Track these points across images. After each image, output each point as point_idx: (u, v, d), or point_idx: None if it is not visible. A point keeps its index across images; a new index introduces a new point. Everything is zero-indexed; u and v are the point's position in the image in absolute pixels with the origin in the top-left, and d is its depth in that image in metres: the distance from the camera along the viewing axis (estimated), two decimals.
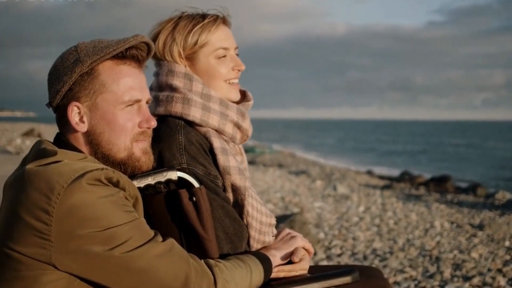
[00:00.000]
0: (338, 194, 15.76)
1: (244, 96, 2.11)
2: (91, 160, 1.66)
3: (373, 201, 15.01)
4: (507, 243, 9.66)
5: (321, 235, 9.37)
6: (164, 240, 1.61)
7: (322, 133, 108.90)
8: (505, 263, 8.02)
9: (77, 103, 1.67)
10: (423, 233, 10.29)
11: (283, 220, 8.40)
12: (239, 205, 1.89)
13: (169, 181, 1.77)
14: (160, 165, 1.82)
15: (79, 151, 1.68)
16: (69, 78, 1.65)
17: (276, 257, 1.90)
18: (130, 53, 1.72)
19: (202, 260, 1.65)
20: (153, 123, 1.75)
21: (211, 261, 1.69)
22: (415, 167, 36.15)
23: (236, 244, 1.84)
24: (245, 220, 1.90)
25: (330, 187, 17.97)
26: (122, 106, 1.70)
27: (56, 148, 1.64)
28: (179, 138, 1.84)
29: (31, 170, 1.56)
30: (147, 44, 1.75)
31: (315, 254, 7.81)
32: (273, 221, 2.01)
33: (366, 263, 7.60)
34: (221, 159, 1.87)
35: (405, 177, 26.56)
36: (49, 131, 34.85)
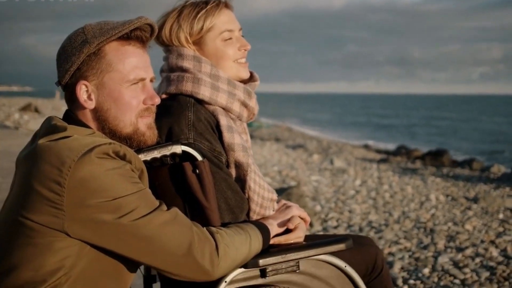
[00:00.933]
0: (335, 168, 15.85)
1: (251, 76, 2.21)
2: (99, 135, 1.76)
3: (370, 175, 15.12)
4: (500, 216, 9.80)
5: (318, 208, 9.49)
6: (168, 209, 1.71)
7: (319, 107, 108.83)
8: (498, 235, 8.15)
9: (85, 82, 1.76)
10: (419, 206, 10.42)
11: (280, 193, 8.50)
12: (241, 180, 1.99)
13: (174, 154, 1.87)
14: (169, 138, 1.92)
15: (88, 127, 1.77)
16: (77, 58, 1.73)
17: (273, 226, 2.01)
18: (135, 34, 1.81)
19: (204, 228, 1.77)
20: (157, 100, 1.85)
21: (213, 228, 1.79)
22: (412, 141, 36.31)
23: (237, 215, 1.94)
24: (246, 194, 2.00)
25: (327, 161, 18.07)
26: (127, 84, 1.79)
27: (65, 124, 1.74)
28: (188, 115, 1.94)
29: (42, 145, 1.65)
30: (150, 26, 1.84)
31: (311, 226, 7.94)
32: (275, 196, 2.12)
33: (361, 235, 7.74)
34: (226, 136, 1.96)
35: (402, 151, 26.66)
36: (46, 106, 34.93)
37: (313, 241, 2.06)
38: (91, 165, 1.57)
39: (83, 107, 1.78)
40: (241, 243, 1.78)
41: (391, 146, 30.82)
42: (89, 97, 1.77)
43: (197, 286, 1.79)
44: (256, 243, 1.84)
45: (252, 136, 26.55)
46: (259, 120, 40.70)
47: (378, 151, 27.64)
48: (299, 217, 2.11)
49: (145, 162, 1.83)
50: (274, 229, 2.01)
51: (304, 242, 2.10)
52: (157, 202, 1.70)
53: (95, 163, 1.58)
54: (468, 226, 8.63)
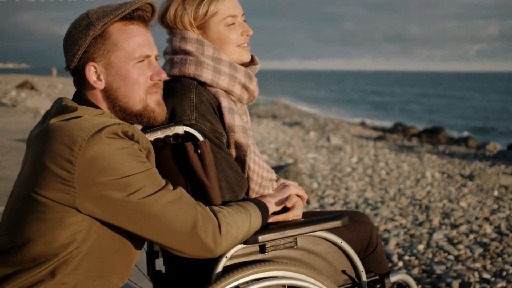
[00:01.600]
0: (332, 145, 15.92)
1: (252, 59, 2.27)
2: (108, 115, 1.82)
3: (366, 152, 15.19)
4: (495, 193, 9.90)
5: (315, 185, 9.56)
6: (174, 188, 1.78)
7: (316, 84, 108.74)
8: (492, 212, 8.25)
9: (93, 63, 1.82)
10: (414, 183, 10.50)
11: (277, 170, 8.56)
12: (241, 160, 2.06)
13: (176, 135, 1.93)
14: (172, 119, 1.98)
15: (98, 107, 1.84)
16: (83, 41, 1.80)
17: (271, 204, 2.08)
18: (137, 14, 1.87)
19: (208, 207, 1.83)
20: (163, 75, 1.92)
21: (215, 208, 1.86)
22: (409, 119, 36.38)
23: (237, 194, 2.01)
24: (246, 174, 2.07)
25: (323, 138, 18.13)
26: (133, 62, 1.85)
27: (76, 105, 1.80)
28: (191, 97, 2.00)
29: (54, 124, 1.71)
30: (151, 5, 1.91)
31: (308, 203, 8.02)
32: (274, 176, 2.19)
33: None
34: (227, 117, 2.02)
35: (398, 128, 26.71)
36: (43, 83, 34.86)
37: (310, 218, 2.13)
38: (101, 144, 1.64)
39: (93, 88, 1.84)
40: (242, 221, 1.85)
41: (388, 124, 30.88)
42: (98, 78, 1.83)
43: (199, 262, 1.86)
44: (255, 220, 1.91)
45: (249, 114, 26.60)
46: (256, 98, 40.69)
47: (375, 129, 27.69)
48: (297, 195, 2.18)
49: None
50: (272, 206, 2.08)
51: (302, 219, 2.18)
52: (163, 182, 1.76)
53: (105, 143, 1.64)
54: (463, 203, 8.72)
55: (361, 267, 2.14)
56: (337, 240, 2.10)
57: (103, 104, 1.85)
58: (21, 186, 1.75)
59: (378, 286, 2.19)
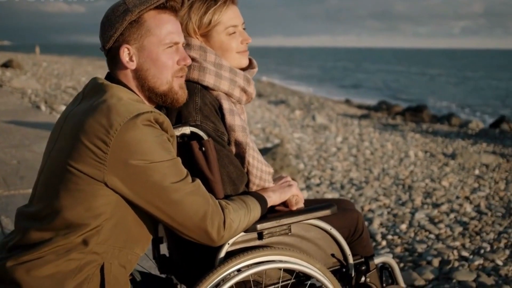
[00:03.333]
0: (317, 124, 16.07)
1: (250, 63, 2.46)
2: (140, 100, 2.03)
3: (351, 131, 15.38)
4: (476, 172, 10.15)
5: (301, 166, 9.76)
6: (193, 180, 1.98)
7: (301, 62, 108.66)
8: (473, 191, 8.50)
9: (128, 45, 2.01)
10: (398, 162, 10.74)
11: (265, 152, 8.69)
12: (241, 157, 2.26)
13: (183, 134, 2.13)
14: (179, 120, 2.17)
15: (129, 88, 2.04)
16: (120, 25, 1.99)
17: (271, 198, 2.28)
18: (170, 4, 2.07)
19: (217, 201, 2.04)
20: (189, 61, 2.12)
21: (223, 203, 2.06)
22: (393, 96, 36.61)
23: (238, 186, 2.22)
24: (246, 169, 2.27)
25: (309, 117, 18.23)
26: (163, 47, 2.04)
27: (110, 84, 2.00)
28: (196, 100, 2.19)
29: (93, 104, 1.91)
30: None
31: None
32: (271, 170, 2.39)
33: (343, 192, 8.04)
34: (228, 118, 2.22)
35: (383, 106, 26.88)
36: (27, 61, 34.57)
37: (302, 208, 2.35)
38: (135, 131, 1.83)
39: (125, 68, 2.03)
40: (243, 216, 2.06)
41: (372, 102, 31.06)
42: (130, 59, 2.02)
43: (203, 248, 2.07)
44: (255, 214, 2.12)
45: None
46: None
47: (359, 107, 27.83)
48: (296, 195, 2.40)
49: None
50: (271, 201, 2.28)
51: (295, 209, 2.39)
52: (185, 172, 1.96)
53: (139, 129, 1.83)
54: (444, 183, 8.96)
55: (348, 251, 2.37)
56: (327, 227, 2.31)
57: (132, 83, 2.04)
58: (56, 159, 1.92)
59: (363, 267, 2.42)
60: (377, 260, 2.49)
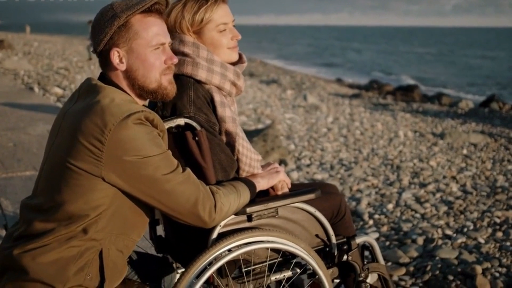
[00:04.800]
0: (308, 105, 16.18)
1: (240, 58, 2.61)
2: (132, 100, 2.16)
3: (342, 111, 15.51)
4: (464, 151, 10.33)
5: (292, 147, 9.89)
6: (184, 170, 2.14)
7: (293, 40, 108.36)
8: (460, 171, 8.68)
9: (117, 48, 2.14)
10: (387, 142, 10.91)
11: (256, 134, 8.84)
12: (231, 146, 2.42)
13: (178, 125, 2.28)
14: (174, 112, 2.33)
15: (120, 88, 2.18)
16: (109, 30, 2.12)
17: (260, 183, 2.45)
18: (155, 8, 2.20)
19: (208, 187, 2.21)
20: (175, 59, 2.26)
21: (214, 188, 2.22)
22: (384, 75, 36.72)
23: (229, 173, 2.38)
24: (236, 156, 2.44)
25: (300, 97, 18.33)
26: (151, 49, 2.17)
27: (103, 85, 2.13)
28: (189, 93, 2.34)
29: (88, 105, 2.05)
30: (166, 0, 2.25)
31: (286, 164, 8.39)
32: (259, 157, 2.55)
33: (332, 173, 8.21)
34: (219, 110, 2.38)
35: (374, 85, 26.98)
36: (17, 41, 34.45)
37: (289, 192, 2.52)
38: (128, 129, 1.98)
39: (116, 69, 2.17)
40: (233, 200, 2.23)
41: (364, 81, 31.16)
42: (120, 61, 2.16)
43: (196, 230, 2.24)
44: (245, 198, 2.29)
45: None
46: None
47: (351, 86, 27.93)
48: (284, 181, 2.57)
49: None
50: (260, 185, 2.45)
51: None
52: (175, 163, 2.12)
53: (131, 128, 1.98)
54: (432, 162, 9.14)
55: (331, 232, 2.54)
56: (311, 209, 2.48)
57: (123, 83, 2.18)
58: (56, 156, 2.08)
59: (345, 247, 2.59)
60: (359, 240, 2.67)
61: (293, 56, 57.32)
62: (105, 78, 2.19)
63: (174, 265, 2.70)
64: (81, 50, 32.05)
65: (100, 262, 2.08)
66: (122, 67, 2.15)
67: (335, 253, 2.55)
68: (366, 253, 2.83)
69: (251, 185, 2.35)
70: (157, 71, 2.18)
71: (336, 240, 2.57)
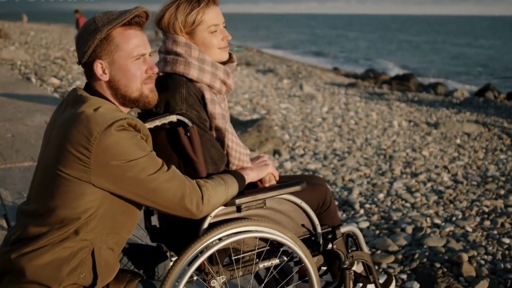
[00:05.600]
0: (304, 94, 16.27)
1: (230, 57, 2.74)
2: (116, 108, 2.27)
3: (337, 101, 15.60)
4: (458, 141, 10.45)
5: (286, 137, 10.01)
6: (168, 168, 2.25)
7: (290, 29, 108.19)
8: (452, 160, 8.80)
9: (100, 60, 2.25)
10: (381, 132, 11.02)
11: (251, 124, 8.96)
12: (221, 140, 2.55)
13: (171, 122, 2.41)
14: (167, 109, 2.45)
15: (105, 97, 2.29)
16: (92, 43, 2.23)
17: (249, 176, 2.58)
18: (134, 21, 2.30)
19: (194, 180, 2.33)
20: (156, 69, 2.37)
21: (201, 181, 2.34)
22: (381, 64, 36.77)
23: (219, 166, 2.51)
24: (225, 151, 2.56)
25: (296, 86, 18.40)
26: (132, 60, 2.28)
27: (88, 96, 2.24)
28: (181, 91, 2.47)
29: (75, 115, 2.16)
30: (146, 13, 2.36)
31: (280, 155, 8.51)
32: (248, 151, 2.68)
33: (326, 163, 8.33)
34: (210, 107, 2.51)
35: (370, 74, 27.03)
36: (14, 30, 34.40)
37: (276, 184, 2.65)
38: (112, 136, 2.09)
39: (99, 80, 2.28)
40: (221, 192, 2.35)
41: (360, 70, 31.21)
42: (103, 72, 2.27)
43: (188, 220, 2.37)
44: (233, 190, 2.41)
45: None
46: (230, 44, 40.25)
47: (347, 75, 27.95)
48: (272, 174, 2.70)
49: (149, 128, 2.36)
50: (250, 177, 2.58)
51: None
52: (160, 163, 2.23)
53: (115, 135, 2.10)
54: (425, 152, 9.25)
55: (316, 222, 2.67)
56: (297, 201, 2.61)
57: (107, 92, 2.30)
58: (47, 164, 2.20)
59: (330, 236, 2.73)
60: (343, 229, 2.80)
61: (290, 44, 57.26)
62: (90, 88, 2.30)
63: (167, 253, 2.83)
64: None
65: (93, 261, 2.20)
66: (105, 77, 2.27)
67: (320, 242, 2.68)
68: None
69: (240, 178, 2.48)
70: (138, 81, 2.29)
71: (322, 229, 2.70)
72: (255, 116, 11.60)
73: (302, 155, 8.80)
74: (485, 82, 25.38)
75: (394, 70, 32.15)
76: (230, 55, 2.72)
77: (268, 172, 2.65)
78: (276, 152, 8.60)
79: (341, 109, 13.94)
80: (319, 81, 22.11)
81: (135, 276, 2.41)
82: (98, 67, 2.25)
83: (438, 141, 10.43)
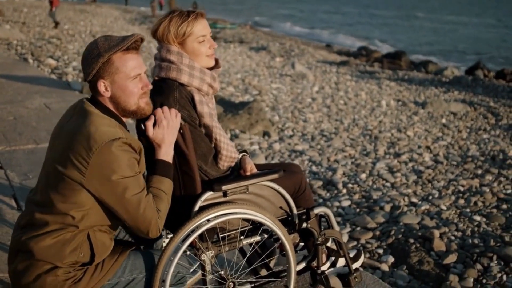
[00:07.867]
0: (296, 73, 16.45)
1: (216, 63, 3.12)
2: (115, 125, 2.63)
3: (328, 80, 15.81)
4: (443, 120, 10.73)
5: (276, 118, 10.29)
6: (147, 193, 2.60)
7: (283, 4, 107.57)
8: (435, 140, 9.11)
9: (103, 80, 2.62)
10: (369, 112, 11.31)
11: (242, 107, 9.29)
12: (209, 136, 2.94)
13: None
14: None
15: (108, 109, 2.67)
16: (95, 65, 2.60)
17: (168, 154, 2.78)
18: (132, 46, 2.67)
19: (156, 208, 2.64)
20: (150, 86, 2.75)
21: (159, 213, 2.63)
22: (374, 42, 36.85)
23: (207, 158, 2.91)
24: (214, 145, 2.95)
25: (288, 65, 18.56)
26: (130, 80, 2.65)
27: (94, 111, 2.62)
28: (174, 94, 2.86)
29: (79, 128, 2.55)
30: (141, 38, 2.74)
31: (269, 136, 8.83)
32: (233, 144, 3.08)
33: (313, 144, 8.67)
34: (199, 107, 2.90)
35: (362, 52, 27.12)
36: (7, 7, 34.28)
37: (257, 172, 3.05)
38: (109, 154, 2.48)
39: (103, 95, 2.67)
40: (165, 209, 2.68)
41: (353, 47, 31.27)
42: (106, 89, 2.64)
43: (180, 205, 2.78)
44: (170, 189, 2.75)
45: (215, 38, 26.35)
46: (223, 22, 40.36)
47: (339, 53, 27.97)
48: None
49: None
50: (168, 152, 2.80)
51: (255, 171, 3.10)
52: (143, 185, 2.61)
53: (111, 152, 2.49)
54: (409, 132, 9.56)
55: (293, 204, 3.05)
56: (276, 186, 3.00)
57: (109, 105, 2.68)
58: (52, 164, 2.60)
59: (304, 216, 3.11)
60: (317, 210, 3.18)
61: (284, 19, 57.06)
62: (95, 101, 2.68)
63: (163, 232, 3.22)
64: (72, 16, 32.10)
65: (89, 243, 2.61)
66: (108, 94, 2.64)
67: (296, 222, 3.08)
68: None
69: (167, 167, 2.79)
70: (136, 97, 2.66)
71: (297, 211, 3.09)
72: (246, 97, 11.86)
73: (290, 136, 9.10)
74: (476, 59, 25.60)
75: (387, 48, 32.31)
76: (216, 61, 3.10)
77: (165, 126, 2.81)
78: (265, 134, 8.95)
79: (331, 89, 14.18)
80: (311, 59, 22.21)
81: (127, 247, 2.78)
82: (101, 86, 2.62)
83: (424, 120, 10.70)
